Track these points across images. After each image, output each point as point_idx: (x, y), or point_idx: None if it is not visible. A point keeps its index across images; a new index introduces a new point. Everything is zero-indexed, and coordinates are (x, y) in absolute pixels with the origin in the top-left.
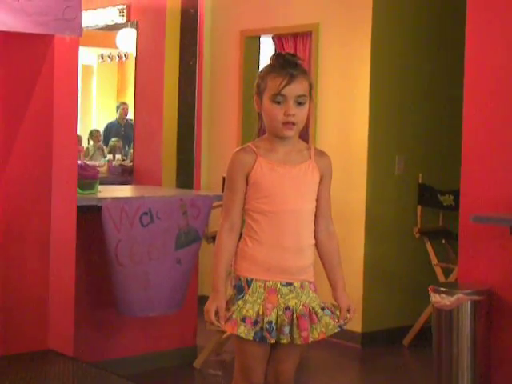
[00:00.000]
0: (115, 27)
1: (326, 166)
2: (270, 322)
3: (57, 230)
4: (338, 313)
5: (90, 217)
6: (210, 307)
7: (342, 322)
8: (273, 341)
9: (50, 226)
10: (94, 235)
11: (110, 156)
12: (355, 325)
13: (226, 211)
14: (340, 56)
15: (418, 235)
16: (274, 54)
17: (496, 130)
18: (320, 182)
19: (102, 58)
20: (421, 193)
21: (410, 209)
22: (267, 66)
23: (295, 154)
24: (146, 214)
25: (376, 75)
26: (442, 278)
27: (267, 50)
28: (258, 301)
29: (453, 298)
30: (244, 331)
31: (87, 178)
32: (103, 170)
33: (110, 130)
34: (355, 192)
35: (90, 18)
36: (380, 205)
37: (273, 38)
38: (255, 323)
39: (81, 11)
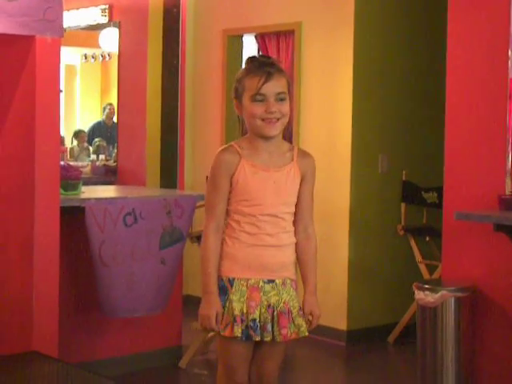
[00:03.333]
0: (98, 27)
1: (308, 168)
2: (254, 320)
3: (40, 231)
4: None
5: (74, 218)
6: (210, 312)
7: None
8: (258, 338)
9: (34, 227)
10: (77, 236)
11: (93, 156)
12: (340, 323)
13: (210, 211)
14: (323, 55)
15: (402, 233)
16: (249, 57)
17: (479, 127)
18: (301, 184)
19: (86, 57)
20: (404, 190)
21: (394, 206)
22: (243, 69)
23: (278, 156)
24: (129, 214)
25: (359, 74)
26: (426, 275)
27: (250, 49)
28: (242, 299)
29: (437, 295)
30: (238, 331)
31: (70, 179)
32: (87, 170)
33: (96, 130)
34: (339, 190)
35: (73, 18)
36: (364, 203)
37: (256, 36)
38: (241, 322)
39: (62, 12)
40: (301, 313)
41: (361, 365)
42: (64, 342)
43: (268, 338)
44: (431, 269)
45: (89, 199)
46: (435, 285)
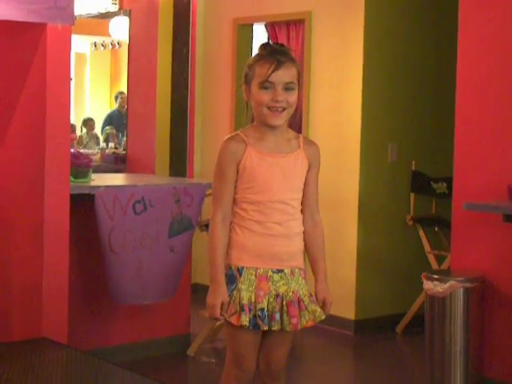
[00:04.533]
0: (108, 15)
1: (314, 155)
2: (262, 310)
3: (50, 219)
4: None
5: (83, 205)
6: (215, 302)
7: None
8: (266, 328)
9: (44, 214)
10: (87, 223)
11: (103, 144)
12: (348, 312)
13: (217, 201)
14: (333, 44)
15: (411, 223)
16: (262, 44)
17: (488, 117)
18: (308, 172)
19: (95, 46)
20: (414, 180)
21: (403, 196)
22: (255, 55)
23: (284, 144)
24: (139, 202)
25: (369, 63)
26: (434, 266)
27: (260, 37)
28: (250, 288)
29: (445, 285)
30: (245, 320)
31: (80, 167)
32: (96, 158)
33: (111, 119)
34: (348, 180)
35: (83, 6)
36: (373, 192)
37: (265, 25)
38: (249, 311)
39: (73, 0)
40: (312, 298)
41: (369, 354)
42: (73, 329)
43: (276, 328)
44: (440, 259)
45: (98, 187)
46: (444, 275)
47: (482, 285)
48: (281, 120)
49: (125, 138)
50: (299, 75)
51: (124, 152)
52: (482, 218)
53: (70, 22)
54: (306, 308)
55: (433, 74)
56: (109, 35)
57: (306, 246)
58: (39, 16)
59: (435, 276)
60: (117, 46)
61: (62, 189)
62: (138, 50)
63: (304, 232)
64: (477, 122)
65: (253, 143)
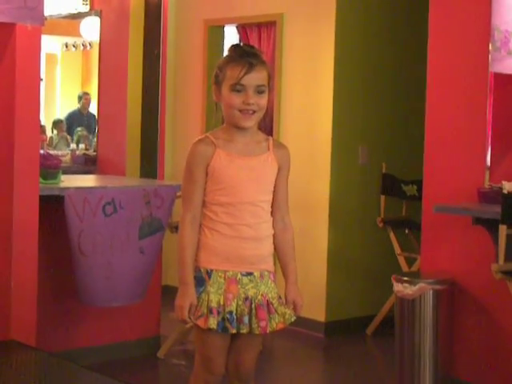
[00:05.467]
0: (79, 16)
1: (284, 158)
2: (230, 312)
3: (19, 220)
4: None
5: (53, 206)
6: (183, 304)
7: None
8: (234, 331)
9: (12, 215)
10: (56, 225)
11: (73, 145)
12: (318, 314)
13: (187, 203)
14: (304, 46)
15: (381, 225)
16: (232, 45)
17: (459, 120)
18: (277, 175)
19: (67, 46)
20: (384, 183)
21: (374, 199)
22: (226, 56)
23: (254, 146)
24: (109, 203)
25: (339, 65)
26: (405, 268)
27: (231, 39)
28: (219, 291)
29: (415, 288)
30: (213, 323)
31: (50, 168)
32: (66, 159)
33: (73, 119)
34: (319, 182)
35: (54, 6)
36: (344, 194)
37: (237, 27)
38: (218, 314)
39: (43, 0)
40: (281, 301)
41: (339, 356)
42: (42, 331)
43: (244, 330)
44: (410, 261)
45: (68, 188)
46: (414, 277)
47: (451, 287)
48: (251, 122)
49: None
50: (270, 78)
51: (94, 153)
52: (451, 220)
53: (40, 23)
54: (275, 311)
55: (404, 75)
56: (80, 36)
57: (276, 248)
58: (8, 16)
59: (405, 278)
60: (88, 46)
61: (31, 190)
62: (109, 51)
63: (274, 235)
64: (446, 124)
65: (222, 145)
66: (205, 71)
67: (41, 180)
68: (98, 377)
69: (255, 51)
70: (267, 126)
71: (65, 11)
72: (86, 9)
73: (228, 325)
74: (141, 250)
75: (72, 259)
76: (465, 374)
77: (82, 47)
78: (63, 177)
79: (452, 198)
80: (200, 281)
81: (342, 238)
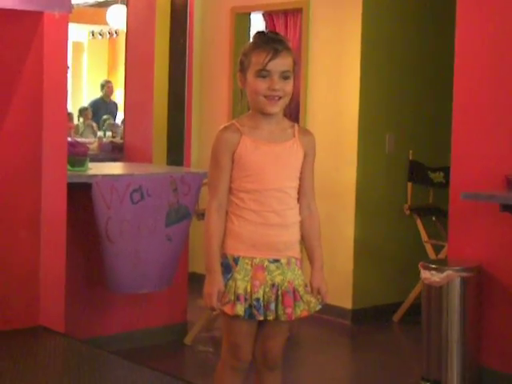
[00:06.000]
0: (106, 4)
1: (309, 145)
2: (257, 299)
3: (47, 207)
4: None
5: (81, 194)
6: (211, 291)
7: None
8: (261, 318)
9: (41, 202)
10: (84, 212)
11: (100, 133)
12: (345, 301)
13: (213, 190)
14: (330, 33)
15: (408, 212)
16: (257, 32)
17: (486, 106)
18: (303, 161)
19: (93, 34)
20: (411, 170)
21: (401, 186)
22: (250, 43)
23: (279, 132)
24: (136, 191)
25: (366, 53)
26: (432, 255)
27: (258, 27)
28: (246, 278)
29: (443, 275)
30: (240, 310)
31: (77, 155)
32: (93, 147)
33: (96, 107)
34: (346, 170)
35: None
36: (370, 182)
37: (263, 14)
38: (245, 300)
39: None
40: (307, 289)
41: (366, 344)
42: (70, 318)
43: (271, 317)
44: (437, 249)
45: (96, 175)
46: (441, 264)
47: (478, 274)
48: (277, 108)
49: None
50: (295, 64)
51: (121, 141)
52: (479, 207)
53: (68, 10)
54: (300, 298)
55: (430, 63)
56: (106, 24)
57: (302, 235)
58: (36, 4)
59: (432, 265)
60: (114, 34)
61: (59, 177)
62: (136, 39)
63: (300, 221)
64: (474, 111)
65: (248, 132)
66: (231, 59)
67: (68, 167)
68: (125, 363)
69: (280, 37)
70: (293, 114)
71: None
72: None
73: (255, 312)
74: (168, 238)
75: (100, 246)
76: (492, 363)
77: (108, 35)
78: (90, 164)
79: (479, 185)
80: (227, 268)
81: (368, 225)
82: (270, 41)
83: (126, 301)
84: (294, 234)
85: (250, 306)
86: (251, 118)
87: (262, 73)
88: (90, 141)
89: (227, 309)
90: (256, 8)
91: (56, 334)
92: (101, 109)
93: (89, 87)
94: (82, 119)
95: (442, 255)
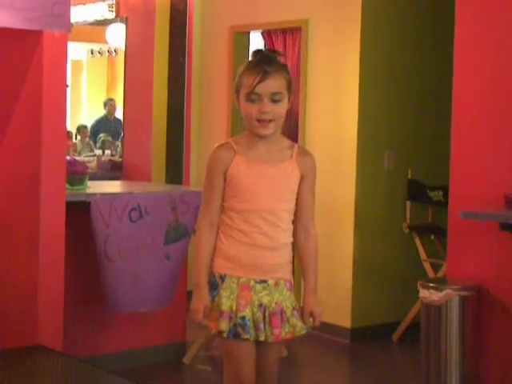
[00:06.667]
0: (105, 22)
1: (308, 166)
2: (243, 318)
3: (46, 226)
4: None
5: (79, 212)
6: (198, 306)
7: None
8: (246, 336)
9: (39, 221)
10: (83, 231)
11: (99, 151)
12: (344, 320)
13: (205, 207)
14: (329, 52)
15: (407, 230)
16: (254, 51)
17: (485, 125)
18: (301, 183)
19: (92, 53)
20: (410, 188)
21: (400, 204)
22: (245, 63)
23: (276, 153)
24: (135, 209)
25: (365, 71)
26: (431, 274)
27: (257, 45)
28: (232, 296)
29: (441, 294)
30: (224, 326)
31: (76, 174)
32: (92, 165)
33: (100, 125)
34: (345, 187)
35: (80, 13)
36: (369, 200)
37: (262, 33)
38: (230, 319)
39: (69, 7)
40: (294, 312)
41: (365, 362)
42: (68, 336)
43: (262, 338)
44: (436, 267)
45: (94, 194)
46: (440, 283)
47: (477, 293)
48: (269, 130)
49: (117, 145)
50: (289, 83)
51: (120, 159)
52: (478, 226)
53: (67, 29)
54: (287, 320)
55: (430, 81)
56: (105, 42)
57: (299, 256)
58: (36, 23)
59: (431, 284)
60: (113, 53)
61: (57, 196)
62: (135, 57)
63: (297, 243)
64: (473, 130)
65: (242, 152)
66: (230, 77)
67: (67, 186)
68: (124, 382)
69: (273, 56)
70: (292, 131)
71: (91, 18)
72: (112, 15)
73: (240, 330)
74: (166, 256)
75: (98, 265)
76: (492, 382)
77: (107, 54)
78: (89, 183)
79: (478, 204)
80: (214, 285)
81: (367, 243)
82: (260, 62)
83: (124, 319)
84: (284, 256)
85: (235, 324)
86: (247, 137)
87: (252, 96)
88: (89, 159)
89: (212, 325)
90: (255, 27)
91: (54, 352)
92: (104, 127)
93: (88, 105)
94: (79, 137)
95: (440, 274)
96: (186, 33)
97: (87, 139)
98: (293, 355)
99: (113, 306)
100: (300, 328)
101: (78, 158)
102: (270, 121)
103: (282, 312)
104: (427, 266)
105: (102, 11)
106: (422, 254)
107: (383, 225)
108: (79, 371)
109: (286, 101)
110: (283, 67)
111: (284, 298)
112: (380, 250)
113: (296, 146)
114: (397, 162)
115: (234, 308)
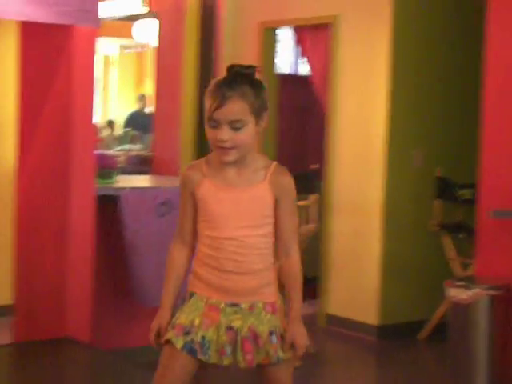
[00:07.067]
0: (135, 18)
1: (282, 187)
2: (203, 337)
3: (75, 219)
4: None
5: (109, 206)
6: (153, 326)
7: (283, 354)
8: (201, 357)
9: (69, 215)
10: (111, 224)
11: (128, 146)
12: (371, 318)
13: (178, 227)
14: (359, 48)
15: (435, 229)
16: (228, 66)
17: None
18: (277, 205)
19: (123, 48)
20: (439, 186)
21: (428, 202)
22: (212, 80)
23: (248, 175)
24: (163, 204)
25: (394, 68)
26: (458, 273)
27: (287, 41)
28: (196, 312)
29: (470, 293)
30: (172, 336)
31: (106, 168)
32: (122, 159)
33: (133, 119)
34: (373, 185)
35: (112, 9)
36: (398, 198)
37: (292, 29)
38: (186, 333)
39: (97, 2)
40: (272, 337)
41: (391, 360)
42: (96, 329)
43: (226, 362)
44: (464, 266)
45: (124, 188)
46: (468, 282)
47: (507, 292)
48: (230, 157)
49: (147, 139)
50: (257, 106)
51: (148, 154)
52: (507, 224)
53: (96, 25)
54: (263, 346)
55: (459, 79)
56: (133, 38)
57: (282, 280)
58: (68, 18)
59: (459, 283)
60: (143, 48)
61: (87, 190)
62: (166, 52)
63: (279, 267)
64: (503, 128)
65: (211, 174)
66: (259, 73)
67: (97, 180)
68: (149, 375)
69: (240, 77)
70: (321, 130)
71: (123, 13)
72: (146, 10)
73: (197, 347)
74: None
75: (126, 258)
76: None
77: (137, 49)
78: (119, 177)
79: (507, 203)
80: (183, 302)
81: (395, 241)
82: (222, 84)
83: (151, 313)
84: (259, 279)
85: (193, 341)
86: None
87: (211, 122)
88: (119, 153)
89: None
90: (284, 23)
91: (82, 344)
92: (138, 121)
93: (118, 100)
94: (109, 131)
95: (468, 273)
96: (215, 29)
97: (117, 133)
98: (320, 353)
99: (141, 300)
100: (272, 355)
101: (107, 153)
102: (232, 148)
103: (257, 337)
104: (455, 265)
105: (135, 6)
106: (450, 253)
107: (411, 223)
108: (106, 363)
109: (250, 126)
110: (251, 88)
111: (261, 322)
112: (408, 248)
113: (273, 164)
114: (425, 160)
115: (197, 323)
